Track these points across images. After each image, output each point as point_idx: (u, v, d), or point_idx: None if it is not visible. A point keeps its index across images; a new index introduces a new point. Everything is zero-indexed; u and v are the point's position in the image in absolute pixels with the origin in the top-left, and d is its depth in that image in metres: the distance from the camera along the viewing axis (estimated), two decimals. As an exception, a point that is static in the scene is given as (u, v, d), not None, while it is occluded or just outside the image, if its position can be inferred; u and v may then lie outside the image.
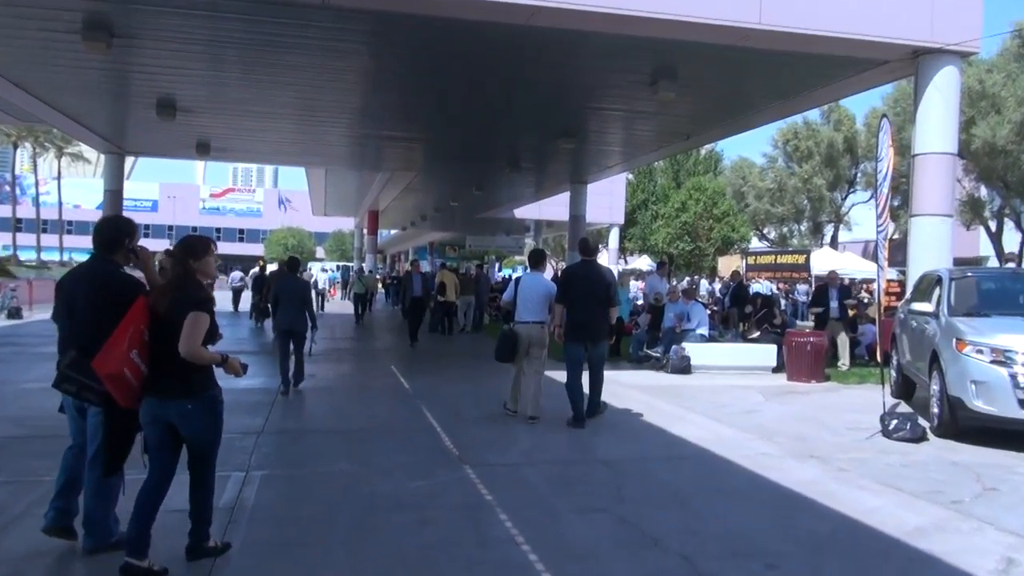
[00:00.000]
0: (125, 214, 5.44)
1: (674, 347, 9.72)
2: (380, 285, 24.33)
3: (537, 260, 6.56)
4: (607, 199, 24.58)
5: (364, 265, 25.24)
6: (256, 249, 62.45)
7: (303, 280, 8.66)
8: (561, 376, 6.38)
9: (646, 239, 35.34)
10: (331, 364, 9.82)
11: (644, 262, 30.68)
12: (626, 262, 39.52)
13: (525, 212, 24.34)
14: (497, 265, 42.52)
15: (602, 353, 6.29)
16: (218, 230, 66.23)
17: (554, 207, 22.71)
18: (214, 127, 11.66)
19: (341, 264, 44.45)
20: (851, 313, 10.30)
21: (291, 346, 7.56)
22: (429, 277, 13.09)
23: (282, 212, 68.00)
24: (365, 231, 29.50)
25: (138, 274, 3.25)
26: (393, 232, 39.67)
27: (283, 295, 7.64)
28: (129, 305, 2.97)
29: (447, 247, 42.34)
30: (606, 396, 6.67)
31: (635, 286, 20.73)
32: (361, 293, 17.30)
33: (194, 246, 3.12)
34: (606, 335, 6.25)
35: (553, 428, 6.05)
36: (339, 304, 23.12)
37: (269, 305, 8.07)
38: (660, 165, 38.25)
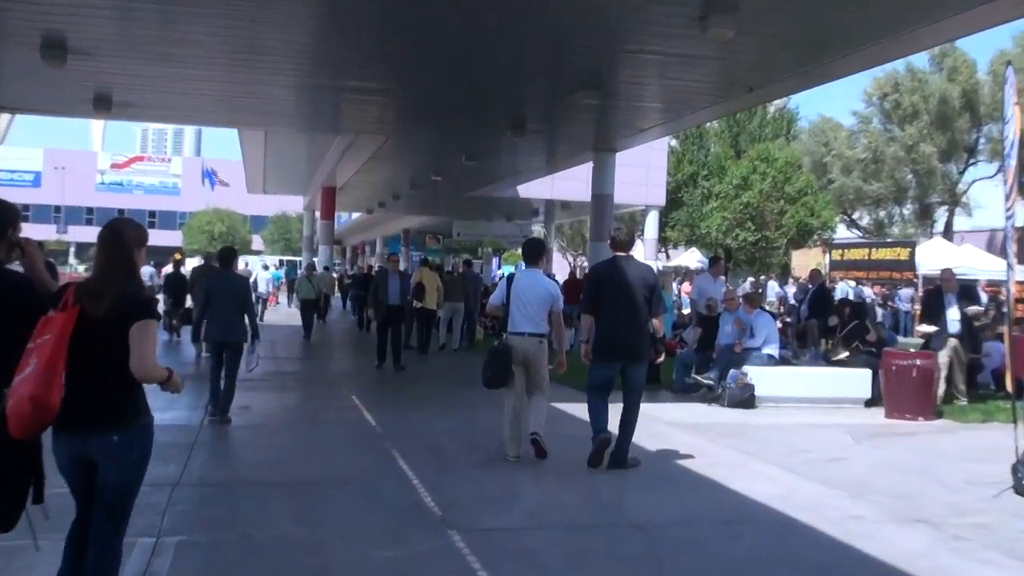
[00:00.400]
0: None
1: (732, 372, 9.83)
2: (336, 287, 24.23)
3: (534, 253, 6.74)
4: (642, 173, 24.75)
5: (316, 260, 25.38)
6: (172, 238, 62.74)
7: (241, 277, 8.81)
8: (573, 408, 6.40)
9: (695, 226, 35.48)
10: (273, 392, 9.96)
11: (692, 257, 30.79)
12: (667, 257, 39.73)
13: (533, 190, 24.48)
14: (495, 261, 42.71)
15: (638, 378, 6.41)
16: (120, 212, 66.43)
17: (571, 183, 22.91)
18: (117, 75, 11.69)
19: (286, 259, 44.67)
20: (977, 324, 10.53)
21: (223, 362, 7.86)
22: (408, 278, 13.09)
23: (207, 189, 68.33)
24: (318, 214, 29.69)
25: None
26: (355, 216, 39.96)
27: (216, 296, 7.86)
28: (33, 313, 3.02)
29: (428, 236, 42.64)
30: (641, 437, 6.73)
31: (680, 290, 20.93)
32: (311, 299, 17.37)
33: (139, 231, 3.23)
34: (646, 354, 6.38)
35: (567, 477, 6.13)
36: (283, 313, 23.31)
37: (193, 309, 8.27)
38: (714, 127, 38.35)
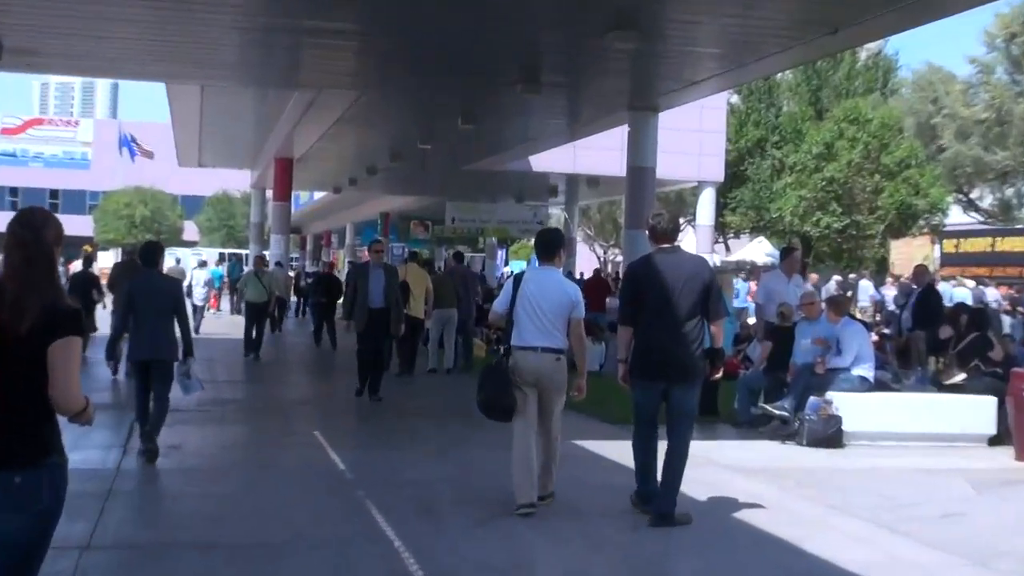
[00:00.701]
0: None
1: (812, 400, 9.81)
2: (292, 289, 24.49)
3: (550, 246, 6.82)
4: (694, 140, 24.60)
5: (268, 254, 25.42)
6: (81, 225, 62.85)
7: (171, 278, 8.95)
8: (600, 445, 6.58)
9: (763, 209, 35.44)
10: (210, 426, 9.96)
11: (759, 250, 30.81)
12: (727, 249, 39.66)
13: (550, 162, 24.54)
14: (500, 255, 42.81)
15: (687, 405, 6.51)
16: (13, 191, 66.84)
17: (600, 154, 22.92)
18: (10, 13, 11.74)
19: (228, 252, 44.77)
20: None
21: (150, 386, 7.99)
22: (396, 273, 12.86)
23: (126, 161, 68.66)
24: (269, 195, 29.74)
25: None
26: (318, 197, 40.19)
27: (140, 301, 7.96)
28: None
29: (413, 223, 42.72)
30: (691, 485, 6.72)
31: (743, 290, 20.75)
32: (259, 303, 17.38)
33: (59, 225, 3.35)
34: (697, 373, 6.48)
35: (595, 537, 6.14)
36: (225, 322, 23.23)
37: (114, 316, 8.44)
38: (788, 79, 38.30)
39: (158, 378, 8.04)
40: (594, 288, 18.65)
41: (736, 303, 20.06)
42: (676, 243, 6.66)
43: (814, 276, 26.12)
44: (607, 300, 18.11)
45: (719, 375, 6.95)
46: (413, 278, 14.13)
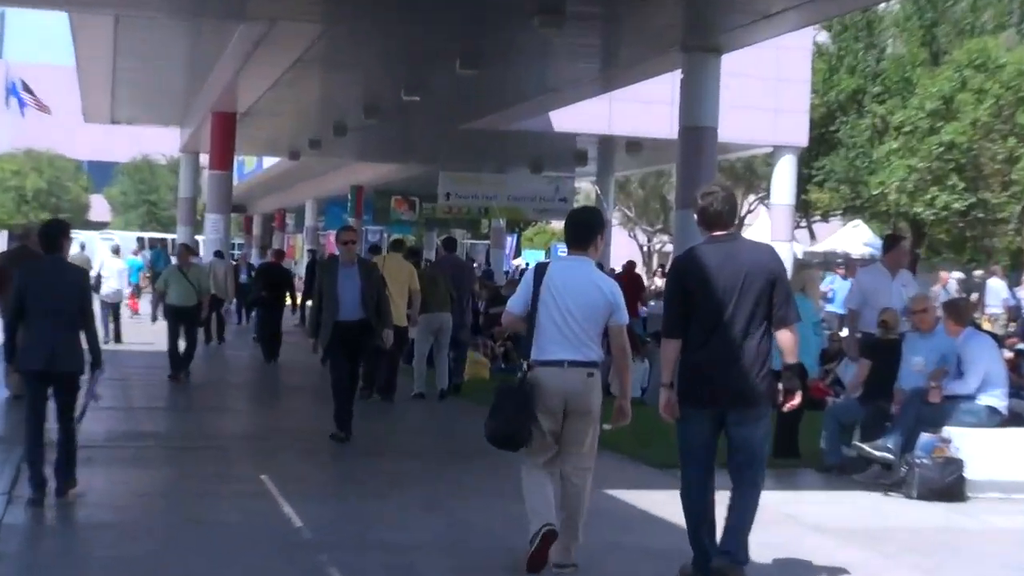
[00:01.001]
0: None
1: (925, 438, 9.82)
2: (232, 284, 24.18)
3: (584, 230, 6.93)
4: (768, 92, 24.52)
5: (202, 239, 25.68)
6: (-46, 201, 63.15)
7: (77, 268, 9.01)
8: (642, 497, 6.88)
9: (859, 182, 35.19)
10: (125, 468, 9.97)
11: (855, 238, 30.76)
12: (812, 236, 39.32)
13: (577, 120, 24.47)
14: (510, 242, 42.73)
15: (753, 440, 6.57)
16: None
17: (643, 109, 22.94)
18: None
19: (150, 236, 44.70)
20: None
21: (50, 405, 8.12)
22: (375, 270, 12.61)
23: (14, 115, 68.67)
24: (205, 161, 29.72)
25: None
26: (269, 165, 40.27)
27: (35, 299, 8.08)
28: None
29: (395, 200, 42.61)
30: (762, 548, 6.75)
31: (839, 290, 20.63)
32: (185, 307, 17.23)
33: None
34: (764, 397, 6.55)
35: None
36: (145, 330, 23.00)
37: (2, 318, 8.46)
38: (893, 10, 38.10)
39: (60, 396, 8.07)
40: (626, 287, 18.58)
41: (831, 308, 20.22)
42: (735, 231, 6.71)
43: (944, 275, 25.85)
44: (644, 304, 17.99)
45: (796, 402, 6.86)
46: (392, 273, 14.02)
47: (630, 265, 24.06)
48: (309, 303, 14.22)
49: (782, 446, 10.55)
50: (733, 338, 6.38)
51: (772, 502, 7.02)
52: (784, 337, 6.49)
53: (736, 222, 6.81)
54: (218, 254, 24.06)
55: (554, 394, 6.55)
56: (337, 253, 12.98)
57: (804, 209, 35.62)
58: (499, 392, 6.84)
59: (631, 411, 6.86)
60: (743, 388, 6.40)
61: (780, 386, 6.66)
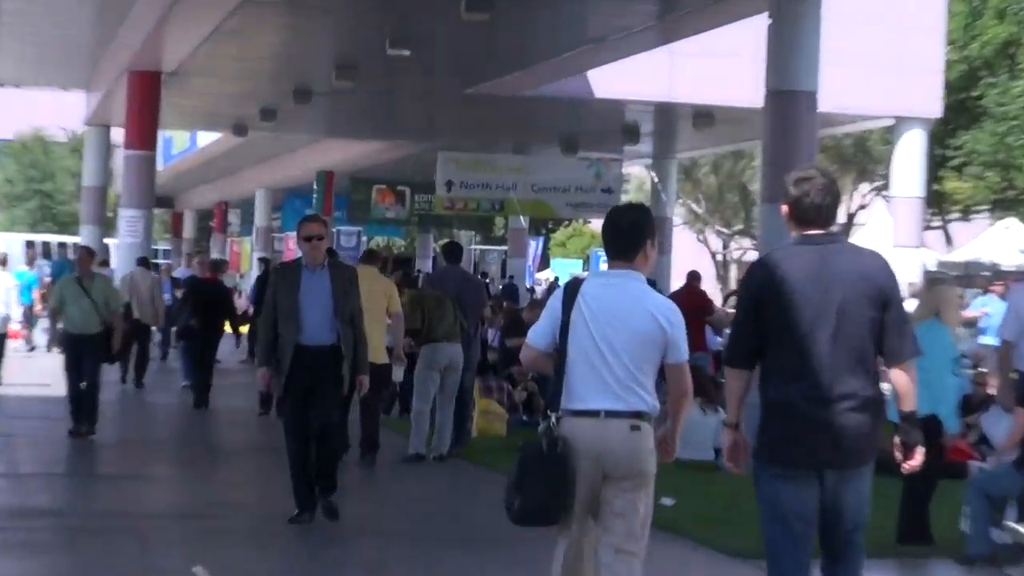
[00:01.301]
0: None
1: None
2: (161, 304, 23.42)
3: (629, 236, 6.68)
4: (889, 43, 23.37)
5: (112, 244, 24.55)
6: None
7: None
8: None
9: (1012, 167, 32.41)
10: (12, 556, 9.60)
11: (1005, 242, 28.87)
12: (948, 240, 37.27)
13: (626, 82, 23.46)
14: (535, 247, 41.19)
15: (859, 512, 6.24)
16: None
17: (716, 67, 22.31)
18: None
19: (44, 240, 41.57)
20: None
21: None
22: (352, 276, 12.02)
23: None
24: (118, 139, 28.70)
25: None
26: (206, 143, 38.19)
27: None
28: None
29: (378, 190, 40.25)
30: None
31: (994, 315, 19.67)
32: (85, 335, 15.42)
33: None
34: (871, 447, 6.18)
35: None
36: (35, 366, 22.86)
37: None
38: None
39: None
40: (688, 309, 16.85)
41: (985, 340, 19.07)
42: (832, 231, 6.30)
43: None
44: (716, 331, 17.75)
45: (917, 462, 6.37)
46: (364, 293, 12.18)
47: (693, 278, 20.64)
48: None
49: (908, 528, 10.12)
50: (828, 373, 5.97)
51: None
52: (899, 377, 6.13)
53: (835, 220, 6.40)
54: (142, 262, 22.34)
55: (587, 452, 6.21)
56: (301, 255, 11.54)
57: (937, 203, 33.38)
58: (525, 456, 6.30)
59: (678, 457, 6.59)
60: (848, 440, 5.97)
61: (896, 440, 6.19)
